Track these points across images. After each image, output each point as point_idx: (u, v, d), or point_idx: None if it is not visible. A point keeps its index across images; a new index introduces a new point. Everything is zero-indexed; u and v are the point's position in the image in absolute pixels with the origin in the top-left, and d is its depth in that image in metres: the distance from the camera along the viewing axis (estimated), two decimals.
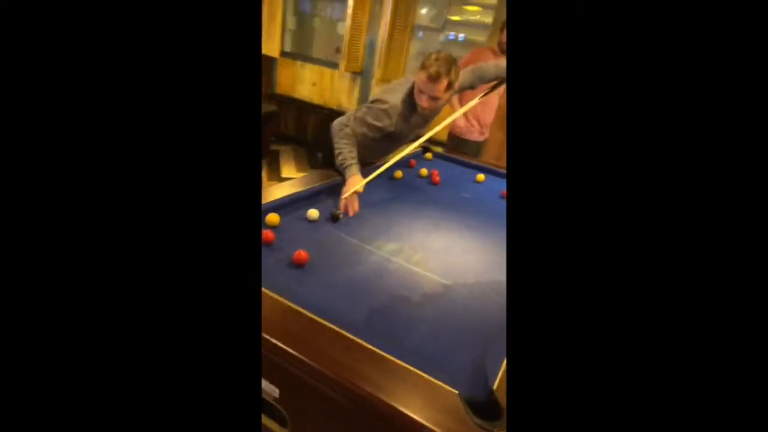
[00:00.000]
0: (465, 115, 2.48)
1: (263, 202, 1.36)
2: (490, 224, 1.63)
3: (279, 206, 1.38)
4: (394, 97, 1.59)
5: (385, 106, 1.59)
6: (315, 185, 1.59)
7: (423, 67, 1.50)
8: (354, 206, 1.45)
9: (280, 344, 0.81)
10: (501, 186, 2.07)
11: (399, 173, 1.93)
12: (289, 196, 1.45)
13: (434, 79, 1.47)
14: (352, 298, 1.04)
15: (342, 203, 1.43)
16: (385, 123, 1.60)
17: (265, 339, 0.82)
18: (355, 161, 1.54)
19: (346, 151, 1.55)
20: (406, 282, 1.16)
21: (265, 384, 0.87)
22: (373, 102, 1.63)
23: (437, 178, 1.98)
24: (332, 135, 1.69)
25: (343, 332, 0.87)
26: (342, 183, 1.52)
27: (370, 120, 1.60)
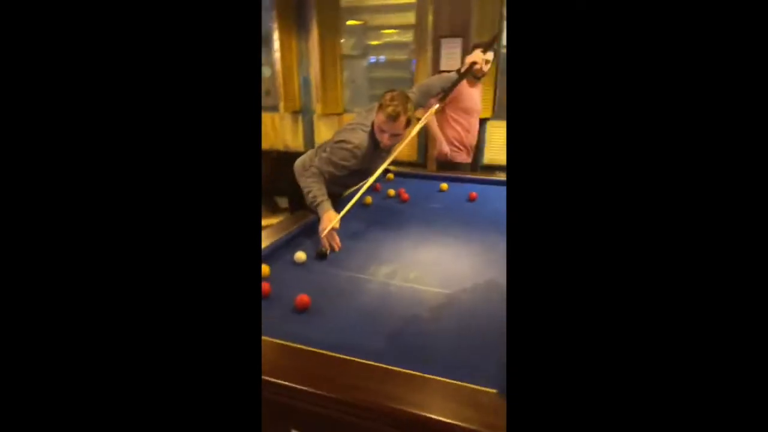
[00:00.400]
0: (448, 141, 2.62)
1: None
2: (468, 228, 1.70)
3: (263, 257, 1.37)
4: (357, 137, 1.65)
5: (349, 146, 1.63)
6: (291, 229, 1.59)
7: (380, 107, 1.58)
8: (335, 241, 1.46)
9: (306, 389, 0.81)
10: (464, 190, 2.16)
11: (368, 199, 1.97)
12: (269, 246, 1.45)
13: (393, 118, 1.56)
14: (363, 328, 1.05)
15: (323, 241, 1.45)
16: (351, 163, 1.65)
17: (290, 387, 0.81)
18: (325, 197, 1.57)
19: (315, 189, 1.57)
20: (410, 300, 1.18)
21: None
22: (337, 143, 1.67)
23: (405, 196, 2.04)
24: (297, 176, 1.71)
25: (366, 361, 0.87)
26: (317, 221, 1.54)
27: (336, 160, 1.64)
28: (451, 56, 3.36)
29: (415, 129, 1.74)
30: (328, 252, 1.43)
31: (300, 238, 1.57)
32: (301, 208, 1.77)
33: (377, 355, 0.89)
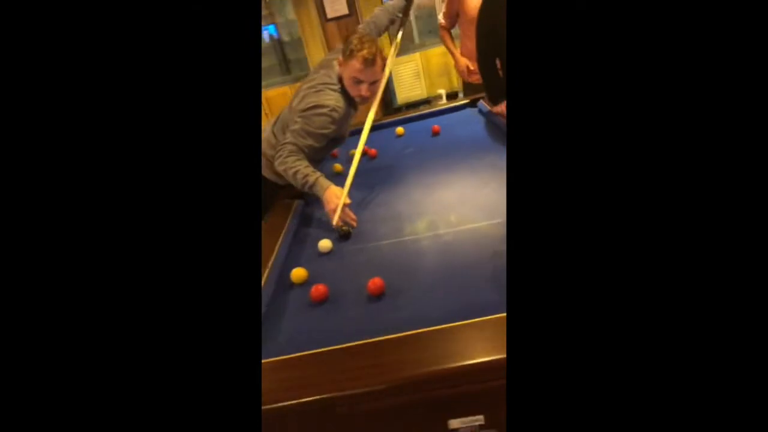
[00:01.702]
0: (467, 58, 2.33)
1: (266, 265, 1.12)
2: (459, 158, 1.63)
3: (286, 260, 1.17)
4: (330, 98, 1.41)
5: (325, 110, 1.39)
6: (284, 226, 1.37)
7: (350, 55, 1.35)
8: (351, 217, 1.29)
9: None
10: (421, 127, 2.08)
11: (338, 167, 1.79)
12: (280, 246, 1.23)
13: (371, 62, 1.35)
14: (429, 291, 0.95)
15: (336, 220, 1.26)
16: (330, 129, 1.42)
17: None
18: (319, 173, 1.35)
19: (302, 167, 1.35)
20: (465, 244, 1.09)
21: None
22: (307, 110, 1.41)
23: (372, 152, 1.89)
24: (273, 160, 1.47)
25: (412, 332, 0.79)
26: (312, 202, 1.34)
27: (314, 129, 1.39)
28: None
29: (387, 71, 1.54)
30: (351, 229, 1.26)
31: (302, 231, 1.37)
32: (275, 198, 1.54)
33: (448, 314, 0.81)
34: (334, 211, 1.26)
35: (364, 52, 1.33)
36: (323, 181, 1.33)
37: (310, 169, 1.36)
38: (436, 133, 1.97)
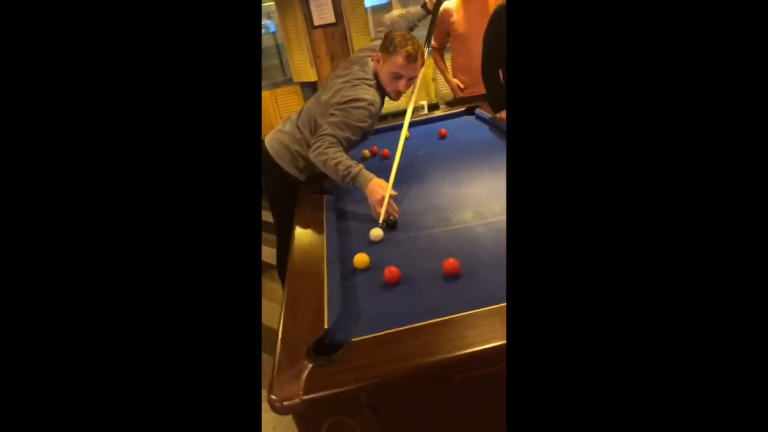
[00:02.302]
0: (455, 74, 2.50)
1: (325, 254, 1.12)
2: (472, 157, 1.71)
3: (340, 249, 1.16)
4: (368, 93, 1.43)
5: (364, 104, 1.41)
6: (326, 216, 1.36)
7: (393, 50, 1.39)
8: (395, 208, 1.31)
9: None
10: (427, 131, 2.15)
11: (366, 152, 1.82)
12: (328, 237, 1.22)
13: (414, 58, 1.39)
14: (500, 270, 0.98)
15: (382, 212, 1.28)
16: (368, 123, 1.44)
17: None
18: (361, 165, 1.37)
19: (344, 158, 1.35)
20: None
21: None
22: (346, 102, 1.42)
23: (386, 152, 1.92)
24: (298, 155, 1.45)
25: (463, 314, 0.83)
26: (342, 197, 1.34)
27: (353, 122, 1.40)
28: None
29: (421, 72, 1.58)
30: (395, 218, 1.27)
31: (341, 224, 1.36)
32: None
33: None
34: (380, 202, 1.27)
35: (409, 48, 1.38)
36: (366, 173, 1.34)
37: (352, 161, 1.36)
38: (443, 137, 2.05)
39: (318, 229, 1.28)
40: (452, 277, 0.99)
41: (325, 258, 1.11)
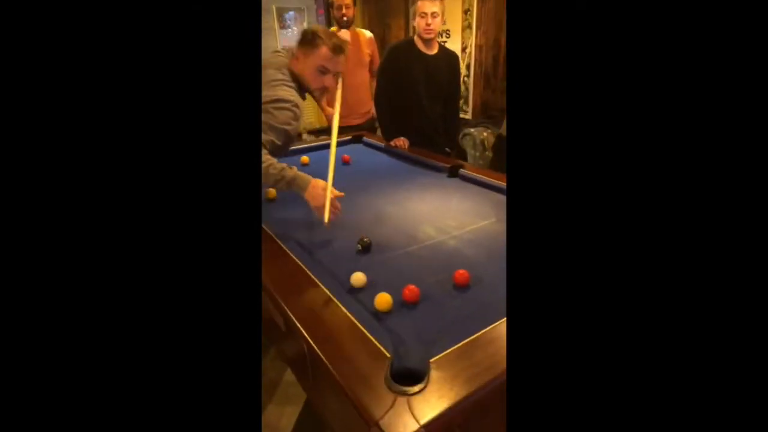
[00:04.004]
0: (328, 103, 2.42)
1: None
2: (389, 180, 1.82)
3: (331, 280, 1.07)
4: (290, 94, 1.33)
5: (288, 105, 1.30)
6: (292, 255, 1.22)
7: (317, 43, 1.34)
8: (337, 206, 1.30)
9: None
10: (319, 156, 2.15)
11: (272, 192, 1.66)
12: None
13: (340, 49, 1.35)
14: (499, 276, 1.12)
15: (327, 216, 1.23)
16: (293, 126, 1.33)
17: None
18: (294, 168, 1.28)
19: (275, 162, 1.24)
20: (488, 237, 1.30)
21: None
22: (271, 102, 1.29)
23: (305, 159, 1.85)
24: None
25: None
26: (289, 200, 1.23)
27: (277, 124, 1.28)
28: None
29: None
30: (368, 239, 1.24)
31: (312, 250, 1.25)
32: None
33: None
34: (323, 205, 1.23)
35: (334, 39, 1.36)
36: (303, 175, 1.27)
37: (281, 164, 1.27)
38: (347, 162, 2.08)
39: (299, 272, 1.15)
40: (464, 287, 1.05)
41: (330, 294, 1.01)
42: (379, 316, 0.95)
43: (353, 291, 1.04)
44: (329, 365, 0.79)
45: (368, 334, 0.86)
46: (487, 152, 3.03)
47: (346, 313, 0.93)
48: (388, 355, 0.80)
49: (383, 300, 0.97)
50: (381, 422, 0.66)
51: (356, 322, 0.90)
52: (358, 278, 1.08)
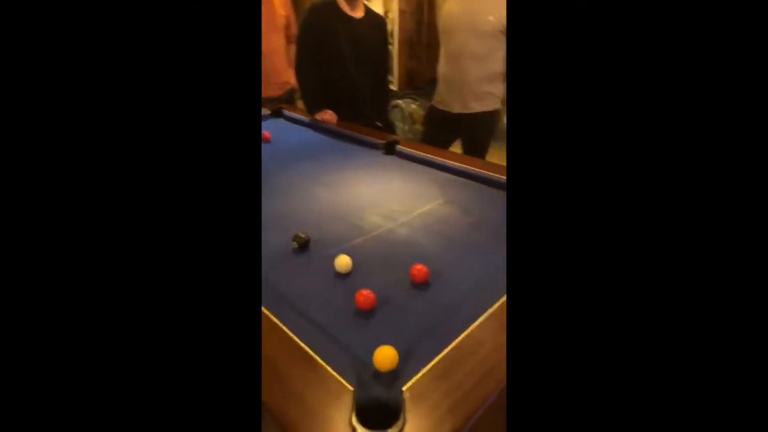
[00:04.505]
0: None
1: None
2: (317, 159, 1.62)
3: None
4: None
5: None
6: None
7: None
8: None
9: None
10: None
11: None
12: None
13: None
14: (458, 265, 1.01)
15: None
16: None
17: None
18: None
19: None
20: (440, 221, 1.18)
21: None
22: None
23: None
24: None
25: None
26: None
27: None
28: None
29: None
30: (303, 237, 1.05)
31: None
32: None
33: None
34: None
35: None
36: None
37: None
38: (267, 140, 1.82)
39: None
40: (424, 285, 0.91)
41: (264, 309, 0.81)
42: (327, 331, 0.78)
43: (296, 298, 0.86)
44: (271, 410, 0.62)
45: (317, 358, 0.69)
46: (416, 125, 2.92)
47: (286, 333, 0.75)
48: (350, 387, 0.64)
49: (386, 357, 0.69)
50: None
51: (300, 342, 0.73)
52: (344, 262, 0.95)
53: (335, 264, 0.95)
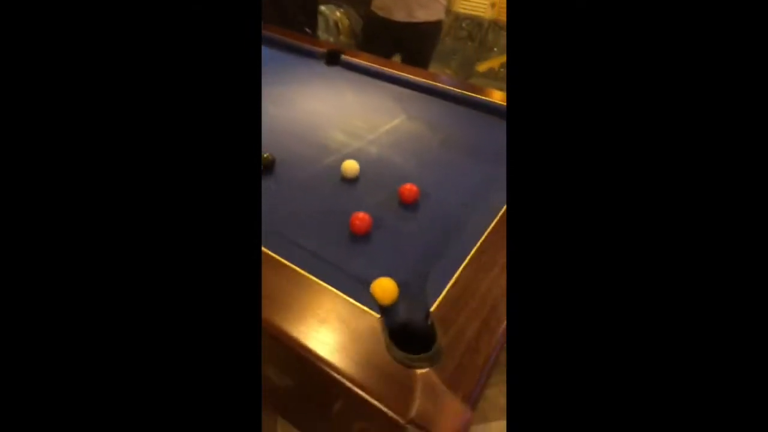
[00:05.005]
0: None
1: None
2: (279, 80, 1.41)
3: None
4: None
5: None
6: None
7: None
8: None
9: None
10: None
11: None
12: None
13: None
14: (445, 179, 0.99)
15: None
16: None
17: None
18: None
19: None
20: (411, 135, 1.11)
21: None
22: None
23: None
24: None
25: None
26: None
27: None
28: None
29: None
30: (268, 157, 0.92)
31: None
32: None
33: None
34: None
35: None
36: None
37: None
38: None
39: None
40: (414, 204, 0.86)
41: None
42: (324, 256, 0.71)
43: (280, 225, 0.76)
44: (306, 351, 0.55)
45: (332, 288, 0.63)
46: (341, 36, 2.66)
47: (288, 266, 0.67)
48: (375, 314, 0.60)
49: (386, 288, 0.65)
50: (415, 416, 0.49)
51: (305, 273, 0.65)
52: (351, 167, 0.92)
53: (343, 170, 0.93)
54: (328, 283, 0.65)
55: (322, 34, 2.68)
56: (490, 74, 2.94)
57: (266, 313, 0.60)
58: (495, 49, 2.97)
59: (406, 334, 0.59)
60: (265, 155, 0.91)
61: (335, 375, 0.53)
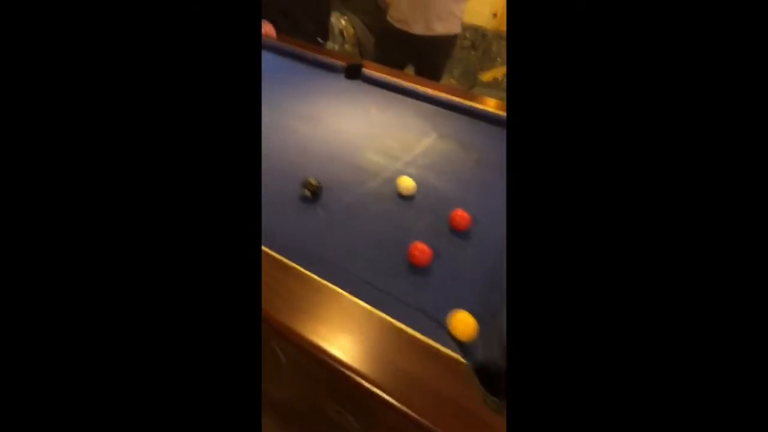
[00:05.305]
0: None
1: None
2: (281, 87, 1.38)
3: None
4: None
5: None
6: None
7: None
8: None
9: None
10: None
11: None
12: None
13: None
14: (481, 220, 0.97)
15: None
16: None
17: None
18: None
19: None
20: (449, 154, 1.09)
21: None
22: None
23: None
24: None
25: None
26: None
27: None
28: None
29: None
30: (315, 184, 0.89)
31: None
32: None
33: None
34: None
35: None
36: None
37: None
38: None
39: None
40: (466, 232, 0.85)
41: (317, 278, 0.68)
42: (385, 290, 0.69)
43: (336, 257, 0.73)
44: (393, 402, 0.53)
45: (412, 332, 0.61)
46: (346, 45, 2.63)
47: (364, 307, 0.64)
48: (461, 359, 0.58)
49: (467, 323, 0.63)
50: None
51: (381, 314, 0.63)
52: (408, 184, 0.93)
53: (399, 186, 0.93)
54: (393, 317, 0.63)
55: (327, 42, 2.65)
56: (494, 84, 2.95)
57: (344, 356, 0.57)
58: (498, 59, 2.98)
59: (493, 377, 0.57)
60: (313, 182, 0.89)
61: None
